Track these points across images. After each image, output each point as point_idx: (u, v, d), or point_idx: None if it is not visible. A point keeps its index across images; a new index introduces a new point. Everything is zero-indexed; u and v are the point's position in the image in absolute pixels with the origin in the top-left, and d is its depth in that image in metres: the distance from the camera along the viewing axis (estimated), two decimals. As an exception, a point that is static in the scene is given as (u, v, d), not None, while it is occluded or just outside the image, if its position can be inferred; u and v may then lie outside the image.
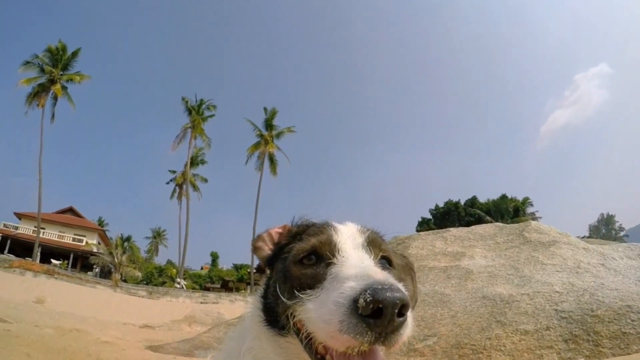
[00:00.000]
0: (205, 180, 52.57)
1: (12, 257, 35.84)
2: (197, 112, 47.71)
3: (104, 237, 54.24)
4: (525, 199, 49.44)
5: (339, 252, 1.10)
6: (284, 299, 1.09)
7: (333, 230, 1.21)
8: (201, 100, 48.60)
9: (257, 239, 1.41)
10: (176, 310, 24.73)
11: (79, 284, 30.99)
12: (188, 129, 47.92)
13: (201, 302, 33.33)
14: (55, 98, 40.98)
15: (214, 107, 49.75)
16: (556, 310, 4.74)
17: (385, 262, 1.20)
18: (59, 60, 40.71)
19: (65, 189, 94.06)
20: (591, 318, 4.41)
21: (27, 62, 39.83)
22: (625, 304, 4.43)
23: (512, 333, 4.64)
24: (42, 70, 40.18)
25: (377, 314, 0.84)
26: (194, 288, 45.39)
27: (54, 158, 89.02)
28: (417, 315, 5.28)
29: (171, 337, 12.55)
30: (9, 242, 42.70)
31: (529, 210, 48.56)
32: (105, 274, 43.44)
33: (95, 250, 45.46)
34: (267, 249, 1.37)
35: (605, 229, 75.29)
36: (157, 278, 48.83)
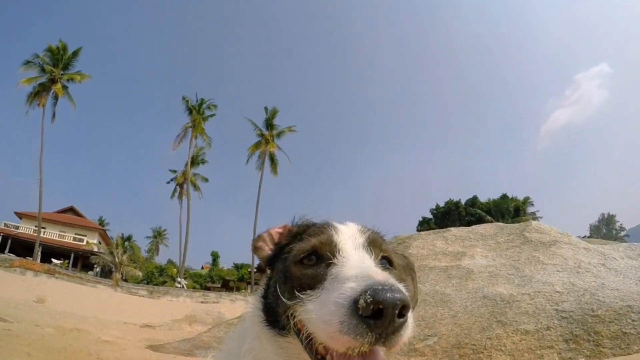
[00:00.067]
0: (206, 180, 52.62)
1: (12, 256, 35.87)
2: (197, 112, 47.72)
3: (104, 237, 54.28)
4: (526, 199, 49.36)
5: (339, 253, 1.10)
6: (284, 299, 1.09)
7: (333, 231, 1.20)
8: (202, 99, 48.64)
9: (257, 238, 1.41)
10: (177, 310, 24.73)
11: (79, 283, 31.00)
12: (189, 128, 47.93)
13: (202, 302, 33.33)
14: (55, 97, 41.02)
15: (215, 106, 49.79)
16: (557, 310, 4.74)
17: (386, 262, 1.20)
18: (60, 60, 40.72)
19: (66, 188, 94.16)
20: (592, 318, 4.41)
21: (28, 62, 39.86)
22: (626, 304, 4.42)
23: (512, 333, 4.63)
24: (43, 70, 40.19)
25: (377, 315, 0.84)
26: (194, 287, 45.41)
27: (55, 157, 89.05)
28: (417, 315, 5.28)
29: (172, 336, 12.55)
30: (9, 241, 42.73)
31: (530, 210, 48.48)
32: (106, 273, 43.47)
33: (95, 249, 45.49)
34: (267, 249, 1.37)
35: (605, 229, 75.23)
36: (157, 277, 48.87)
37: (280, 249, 1.29)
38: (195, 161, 50.40)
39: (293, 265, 1.14)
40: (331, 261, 1.07)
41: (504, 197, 49.49)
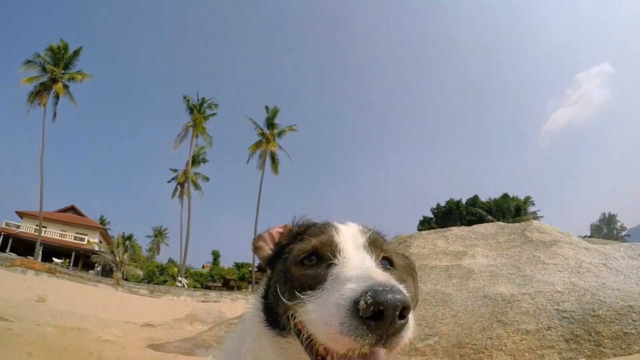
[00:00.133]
0: (207, 179, 52.70)
1: (13, 255, 35.93)
2: (198, 111, 47.72)
3: (105, 236, 54.36)
4: (527, 198, 49.32)
5: (340, 253, 1.09)
6: (285, 300, 1.08)
7: (334, 231, 1.20)
8: (203, 98, 48.64)
9: (257, 238, 1.40)
10: (177, 309, 24.76)
11: (80, 282, 31.02)
12: (189, 127, 47.93)
13: (202, 301, 33.33)
14: (56, 97, 41.06)
15: (216, 105, 49.78)
16: (557, 310, 4.73)
17: (387, 262, 1.19)
18: (61, 59, 40.75)
19: (67, 187, 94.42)
20: (592, 318, 4.40)
21: (29, 61, 39.89)
22: (627, 304, 4.42)
23: (513, 333, 4.63)
24: (44, 69, 40.22)
25: (378, 316, 0.83)
26: (195, 287, 45.49)
27: (56, 157, 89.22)
28: (418, 315, 5.28)
29: (172, 335, 12.57)
30: (10, 240, 42.82)
31: (531, 209, 48.44)
32: (107, 272, 43.58)
33: (96, 248, 45.58)
34: (267, 248, 1.36)
35: (606, 229, 75.19)
36: (158, 277, 48.97)
37: (281, 249, 1.29)
38: (196, 160, 50.44)
39: (293, 265, 1.14)
40: (332, 262, 1.07)
41: (505, 196, 49.46)
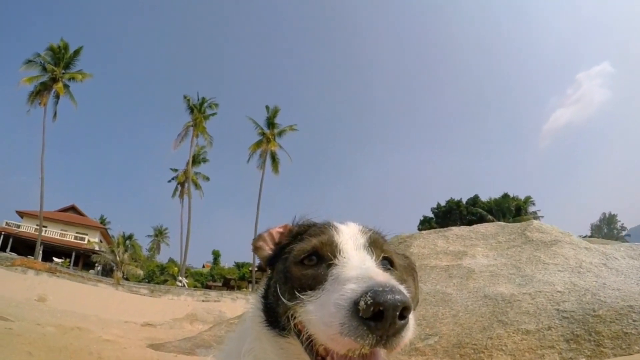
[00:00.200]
0: (207, 179, 52.71)
1: (14, 255, 35.93)
2: (199, 111, 47.71)
3: (105, 236, 54.39)
4: (527, 198, 49.30)
5: (340, 253, 1.09)
6: (285, 300, 1.08)
7: (334, 231, 1.20)
8: (203, 98, 48.60)
9: (257, 238, 1.40)
10: (178, 309, 24.78)
11: (80, 282, 31.02)
12: (190, 127, 47.92)
13: (203, 301, 33.35)
14: (57, 96, 41.03)
15: (216, 105, 49.75)
16: (558, 310, 4.73)
17: (387, 263, 1.19)
18: (61, 59, 40.72)
19: (67, 187, 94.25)
20: (593, 318, 4.40)
21: (29, 61, 39.87)
22: (627, 304, 4.42)
23: (513, 333, 4.63)
24: (44, 69, 40.21)
25: (378, 317, 0.83)
26: (195, 286, 45.51)
27: (56, 156, 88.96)
28: (418, 315, 5.27)
29: (173, 335, 12.58)
30: (11, 240, 42.83)
31: (531, 209, 48.42)
32: (107, 272, 43.60)
33: (97, 248, 45.68)
34: (267, 248, 1.36)
35: (607, 229, 75.14)
36: (158, 276, 49.00)
37: (281, 249, 1.28)
38: (196, 160, 50.44)
39: (293, 265, 1.13)
40: (332, 262, 1.06)
41: (505, 196, 49.45)
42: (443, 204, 51.77)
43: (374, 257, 1.11)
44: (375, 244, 1.19)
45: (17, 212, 48.49)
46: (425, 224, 49.58)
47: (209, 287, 46.96)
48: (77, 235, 48.67)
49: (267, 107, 47.78)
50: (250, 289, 44.91)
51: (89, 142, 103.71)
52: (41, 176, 39.62)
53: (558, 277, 5.53)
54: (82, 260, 47.05)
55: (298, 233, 1.28)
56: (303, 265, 1.12)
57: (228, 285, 51.03)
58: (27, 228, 45.12)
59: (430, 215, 52.53)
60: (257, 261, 1.50)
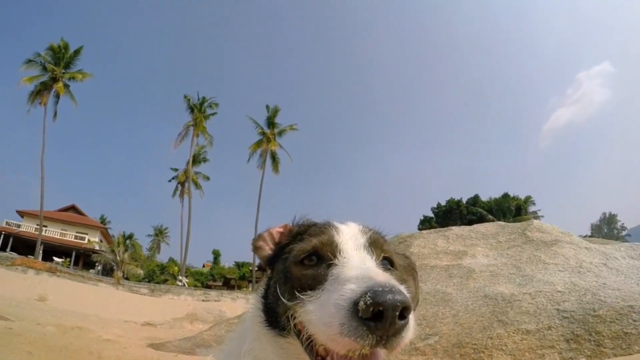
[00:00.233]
0: (208, 178, 52.73)
1: (14, 255, 35.93)
2: (199, 110, 47.71)
3: (106, 235, 54.42)
4: (528, 198, 49.28)
5: (340, 253, 1.09)
6: (285, 300, 1.08)
7: (334, 231, 1.19)
8: (203, 98, 48.61)
9: (257, 238, 1.40)
10: (178, 308, 24.78)
11: (81, 281, 31.04)
12: (190, 126, 47.93)
13: (203, 300, 33.36)
14: (57, 96, 41.05)
15: (216, 105, 49.76)
16: (558, 309, 4.73)
17: (387, 263, 1.19)
18: (61, 59, 40.73)
19: (68, 187, 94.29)
20: (593, 318, 4.40)
21: (30, 61, 39.88)
22: (627, 304, 4.41)
23: (513, 332, 4.63)
24: (45, 69, 40.22)
25: (377, 317, 0.83)
26: (195, 286, 45.56)
27: (56, 156, 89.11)
28: (418, 314, 5.27)
29: (173, 335, 12.59)
30: (11, 240, 42.87)
31: (531, 209, 48.40)
32: (107, 271, 43.62)
33: (97, 248, 45.71)
34: (267, 248, 1.36)
35: (607, 228, 75.09)
36: (159, 276, 49.04)
37: (281, 248, 1.28)
38: (196, 159, 50.45)
39: (293, 265, 1.13)
40: (332, 262, 1.06)
41: (506, 196, 49.44)
42: (443, 203, 51.78)
43: (374, 257, 1.11)
44: (375, 244, 1.18)
45: (17, 211, 48.55)
46: (426, 224, 49.56)
47: (209, 287, 46.98)
48: (77, 234, 48.70)
49: (267, 107, 47.83)
50: (250, 289, 44.92)
51: (89, 142, 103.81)
52: (41, 176, 39.69)
53: (558, 277, 5.53)
54: (83, 259, 47.07)
55: (298, 233, 1.27)
56: (303, 265, 1.12)
57: (228, 284, 51.06)
58: (28, 228, 45.18)
59: (431, 214, 52.53)
60: (258, 261, 1.50)
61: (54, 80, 40.33)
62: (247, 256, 51.37)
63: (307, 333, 0.99)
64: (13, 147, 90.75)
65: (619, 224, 75.51)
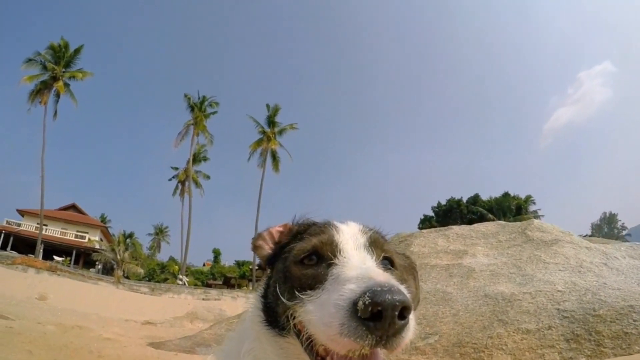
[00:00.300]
0: (208, 177, 52.81)
1: (14, 253, 36.00)
2: (199, 109, 47.72)
3: (106, 234, 54.47)
4: (528, 197, 49.25)
5: (340, 253, 1.09)
6: (284, 300, 1.08)
7: (334, 230, 1.19)
8: (203, 97, 48.63)
9: (257, 237, 1.39)
10: (178, 307, 24.79)
11: (81, 280, 31.08)
12: (190, 125, 47.96)
13: (203, 299, 33.40)
14: (57, 95, 41.12)
15: (217, 103, 49.78)
16: (558, 309, 4.72)
17: (388, 262, 1.18)
18: (62, 58, 40.77)
19: (68, 185, 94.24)
20: (593, 318, 4.40)
21: (30, 60, 39.92)
22: (628, 303, 4.41)
23: (513, 332, 4.62)
24: (45, 68, 40.25)
25: (377, 317, 0.82)
26: (196, 285, 45.63)
27: (57, 155, 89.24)
28: (419, 314, 5.27)
29: (173, 333, 12.58)
30: (11, 238, 42.95)
31: (532, 208, 48.37)
32: (108, 270, 43.71)
33: (97, 247, 45.75)
34: (267, 248, 1.35)
35: (607, 228, 75.02)
36: (159, 275, 49.16)
37: (281, 248, 1.28)
38: (196, 158, 50.51)
39: (293, 265, 1.13)
40: (332, 261, 1.06)
41: (506, 195, 49.44)
42: (443, 202, 51.78)
43: (374, 257, 1.11)
44: (375, 243, 1.18)
45: (17, 210, 48.59)
46: (426, 223, 49.58)
47: (209, 286, 47.07)
48: (77, 233, 48.75)
49: (267, 106, 47.86)
50: (250, 287, 44.97)
51: (89, 141, 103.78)
52: (42, 175, 39.76)
53: (558, 276, 5.52)
54: (83, 258, 47.13)
55: (298, 232, 1.27)
56: (303, 265, 1.11)
57: (228, 283, 51.14)
58: (28, 227, 45.26)
59: (431, 214, 52.54)
60: (258, 260, 1.50)
61: (54, 79, 40.37)
62: (248, 255, 51.42)
63: (307, 333, 0.98)
64: (13, 146, 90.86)
65: (620, 223, 75.44)
